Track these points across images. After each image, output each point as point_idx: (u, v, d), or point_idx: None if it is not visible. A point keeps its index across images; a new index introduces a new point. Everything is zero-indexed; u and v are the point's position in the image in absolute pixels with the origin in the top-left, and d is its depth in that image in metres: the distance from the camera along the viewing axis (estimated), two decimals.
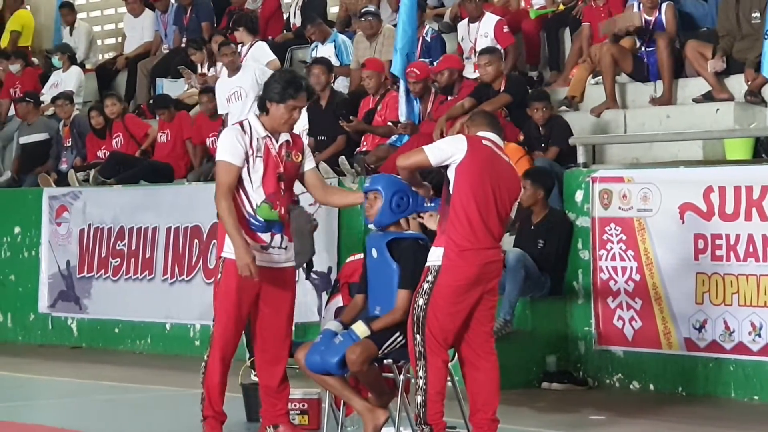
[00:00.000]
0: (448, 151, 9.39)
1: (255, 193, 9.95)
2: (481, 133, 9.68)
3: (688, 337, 12.89)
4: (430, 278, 9.52)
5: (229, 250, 9.92)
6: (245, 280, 9.80)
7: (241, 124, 10.23)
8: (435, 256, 9.52)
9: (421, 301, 9.51)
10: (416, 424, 9.67)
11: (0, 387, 14.43)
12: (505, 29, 16.99)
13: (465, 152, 9.29)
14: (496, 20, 17.09)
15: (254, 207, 9.94)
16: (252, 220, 9.91)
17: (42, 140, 20.24)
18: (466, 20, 17.44)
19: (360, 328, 9.61)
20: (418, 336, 9.60)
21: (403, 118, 15.81)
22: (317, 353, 9.64)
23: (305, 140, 15.70)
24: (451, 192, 9.40)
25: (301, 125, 16.86)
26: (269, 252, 9.94)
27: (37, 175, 19.64)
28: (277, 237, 9.95)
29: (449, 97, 15.93)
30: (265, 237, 9.92)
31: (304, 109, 16.15)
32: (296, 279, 10.22)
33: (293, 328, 10.32)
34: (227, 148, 10.03)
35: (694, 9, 15.71)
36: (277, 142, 10.01)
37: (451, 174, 9.40)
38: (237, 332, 10.19)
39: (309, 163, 10.26)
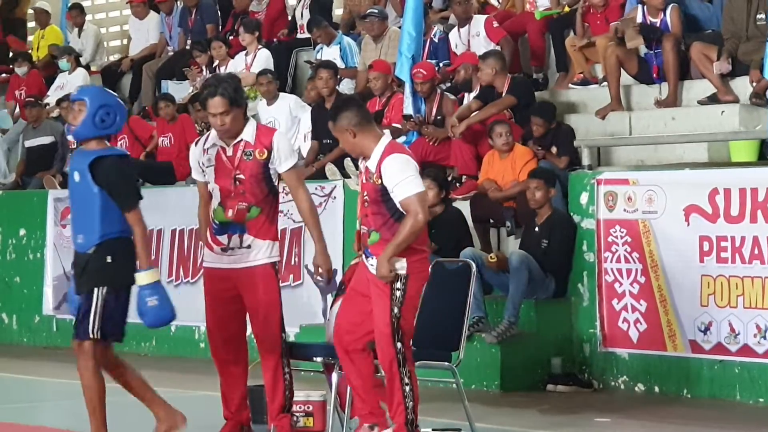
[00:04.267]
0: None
1: (215, 199, 10.20)
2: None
3: (693, 340, 12.92)
4: (399, 286, 9.49)
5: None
6: (211, 284, 10.33)
7: (199, 139, 10.62)
8: (398, 265, 9.43)
9: (396, 310, 9.49)
10: (408, 428, 9.70)
11: (5, 388, 14.52)
12: (495, 24, 17.14)
13: None
14: (485, 18, 17.29)
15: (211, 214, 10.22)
16: (213, 223, 10.17)
17: (48, 143, 20.28)
18: (456, 28, 17.55)
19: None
20: (399, 344, 9.62)
21: (408, 122, 15.83)
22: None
23: (307, 144, 15.75)
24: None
25: (304, 128, 16.93)
26: (230, 254, 10.10)
27: (42, 177, 19.66)
28: (235, 238, 10.09)
29: (468, 94, 16.08)
30: (223, 239, 10.13)
31: (307, 112, 16.39)
32: (277, 276, 10.18)
33: (277, 325, 10.17)
34: (190, 163, 10.63)
35: (699, 11, 15.74)
36: (229, 146, 10.14)
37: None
38: (216, 333, 10.49)
39: (284, 164, 10.21)
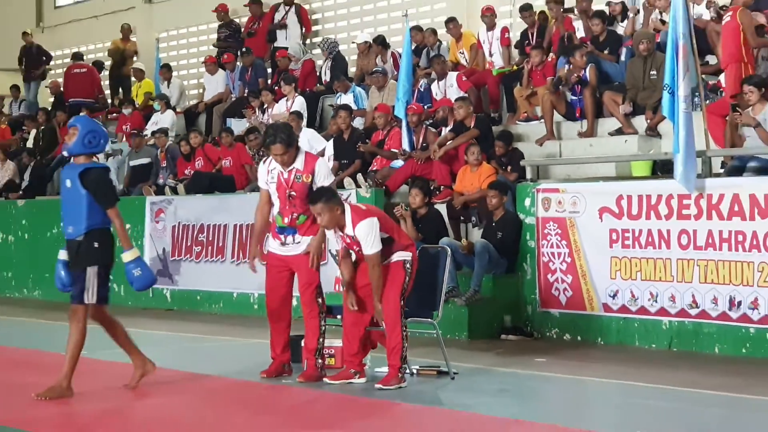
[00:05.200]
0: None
1: (275, 208, 10.41)
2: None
3: (605, 303, 12.96)
4: (408, 267, 9.85)
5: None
6: (271, 265, 10.49)
7: (266, 159, 10.75)
8: (404, 255, 9.86)
9: (404, 286, 9.80)
10: (403, 370, 9.86)
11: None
12: (463, 78, 17.17)
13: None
14: (456, 74, 17.33)
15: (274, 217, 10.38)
16: (276, 225, 10.36)
17: (146, 163, 20.28)
18: (436, 81, 17.52)
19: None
20: (406, 309, 9.83)
21: (405, 146, 15.89)
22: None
23: (330, 164, 15.80)
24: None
25: (328, 152, 16.95)
26: (286, 247, 10.32)
27: (141, 187, 19.65)
28: (290, 237, 10.29)
29: (444, 128, 16.13)
30: (281, 237, 10.33)
31: (324, 142, 16.47)
32: (311, 263, 10.22)
33: (315, 291, 10.31)
34: (258, 176, 10.80)
35: (610, 68, 15.73)
36: (286, 171, 10.28)
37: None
38: (271, 296, 10.55)
39: (322, 182, 10.29)
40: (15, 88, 27.01)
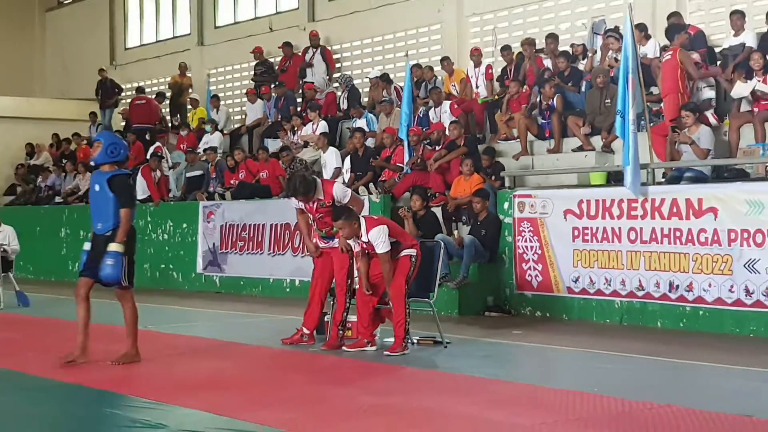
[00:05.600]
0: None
1: (312, 224, 10.67)
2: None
3: (569, 286, 12.98)
4: (413, 259, 10.03)
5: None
6: (319, 256, 10.69)
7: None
8: (410, 251, 10.06)
9: (409, 273, 9.99)
10: (407, 340, 9.95)
11: (173, 315, 14.45)
12: (455, 106, 17.11)
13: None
14: (449, 103, 17.28)
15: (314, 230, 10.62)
16: (318, 232, 10.61)
17: (199, 174, 20.33)
18: (432, 108, 17.47)
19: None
20: (409, 291, 9.99)
21: (404, 164, 15.93)
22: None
23: (347, 175, 15.94)
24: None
25: (346, 166, 17.02)
26: (327, 243, 10.51)
27: (196, 194, 19.70)
28: (329, 241, 10.53)
29: (437, 146, 16.10)
30: (324, 241, 10.60)
31: (347, 158, 16.52)
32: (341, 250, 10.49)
33: (348, 277, 10.52)
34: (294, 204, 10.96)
35: (573, 98, 15.71)
36: (309, 203, 10.48)
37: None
38: (318, 280, 10.74)
39: (341, 200, 10.47)
40: (93, 115, 27.05)
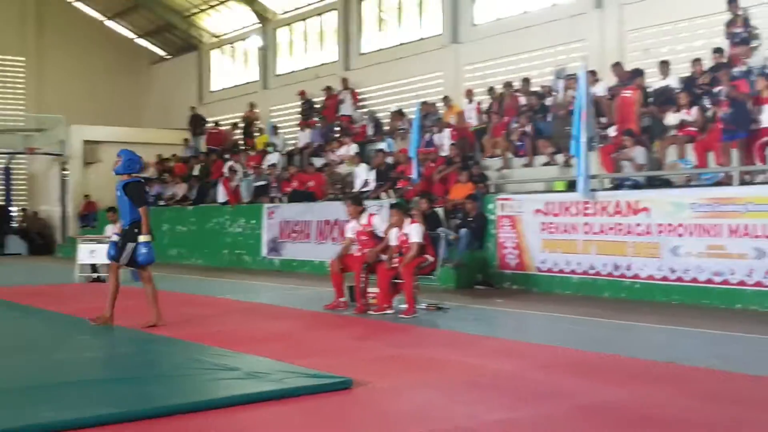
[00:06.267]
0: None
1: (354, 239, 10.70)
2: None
3: (538, 266, 13.04)
4: (426, 263, 10.24)
5: None
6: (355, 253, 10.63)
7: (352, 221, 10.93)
8: (430, 258, 10.23)
9: (419, 264, 10.08)
10: (416, 306, 9.99)
11: (245, 287, 14.40)
12: (453, 132, 17.12)
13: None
14: (449, 130, 17.26)
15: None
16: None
17: (262, 184, 20.41)
18: (436, 134, 17.40)
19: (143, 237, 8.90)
20: (415, 269, 10.01)
21: (414, 176, 15.86)
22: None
23: (373, 185, 15.92)
24: None
25: (372, 177, 17.02)
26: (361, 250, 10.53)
27: (260, 198, 19.78)
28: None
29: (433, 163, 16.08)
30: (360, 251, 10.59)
31: (373, 171, 16.35)
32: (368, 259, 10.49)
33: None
34: (347, 227, 11.02)
35: (542, 126, 15.75)
36: (359, 224, 10.56)
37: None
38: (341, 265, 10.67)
39: (378, 228, 10.52)
40: (185, 140, 27.22)
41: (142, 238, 8.87)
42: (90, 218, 25.83)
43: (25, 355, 7.42)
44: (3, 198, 28.41)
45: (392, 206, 10.44)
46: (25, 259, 25.66)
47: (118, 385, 5.87)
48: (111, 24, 31.56)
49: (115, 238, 9.21)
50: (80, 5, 31.03)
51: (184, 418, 4.96)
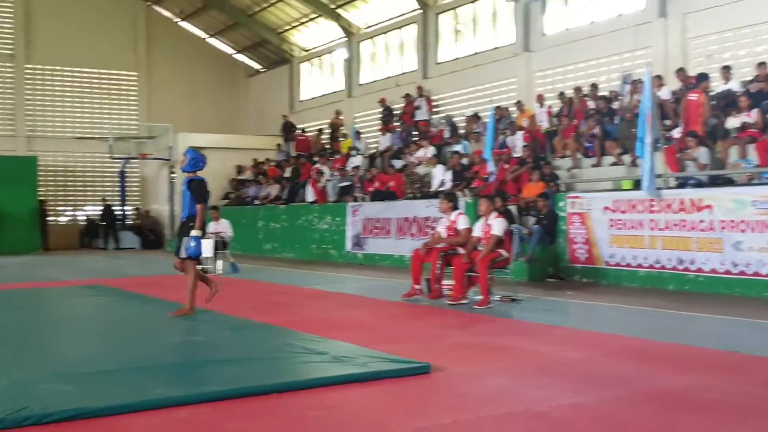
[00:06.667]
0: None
1: (443, 233, 10.60)
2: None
3: (606, 260, 12.80)
4: (501, 258, 10.11)
5: None
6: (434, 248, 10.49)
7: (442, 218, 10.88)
8: (505, 253, 10.13)
9: (494, 258, 9.97)
10: (491, 297, 9.94)
11: (331, 278, 14.44)
12: (526, 135, 16.96)
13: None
14: (521, 132, 17.11)
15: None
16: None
17: (347, 185, 20.56)
18: (510, 137, 17.28)
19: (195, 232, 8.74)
20: (490, 263, 9.95)
21: (489, 175, 15.77)
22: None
23: (449, 184, 15.84)
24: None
25: (449, 177, 16.95)
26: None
27: (345, 198, 19.90)
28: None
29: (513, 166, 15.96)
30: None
31: (450, 171, 16.21)
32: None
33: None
34: (438, 223, 10.98)
35: (610, 128, 15.54)
36: (448, 220, 10.48)
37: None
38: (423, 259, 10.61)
39: (462, 226, 10.41)
40: (278, 145, 27.63)
41: (193, 233, 8.79)
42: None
43: (140, 338, 7.68)
44: (119, 198, 29.33)
45: (481, 196, 10.37)
46: (138, 252, 26.44)
47: (221, 365, 6.03)
48: (212, 41, 32.22)
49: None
50: (185, 25, 31.75)
51: (278, 397, 5.07)
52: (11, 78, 28.82)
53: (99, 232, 28.62)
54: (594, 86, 17.17)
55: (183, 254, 8.83)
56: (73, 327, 8.64)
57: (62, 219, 29.81)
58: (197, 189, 8.84)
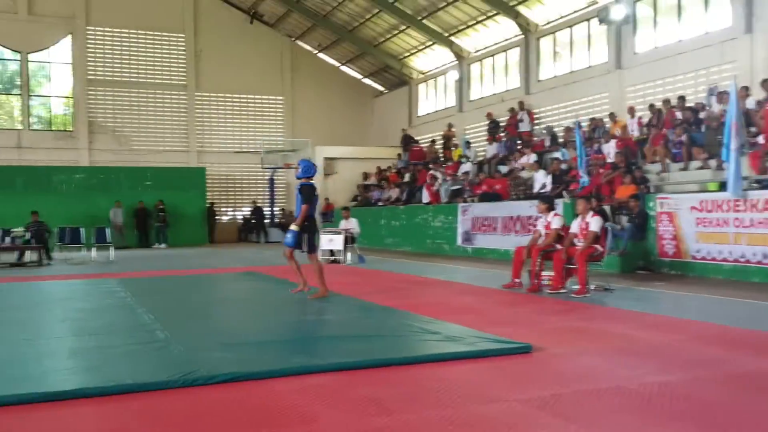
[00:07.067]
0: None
1: (542, 231, 10.33)
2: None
3: (693, 255, 12.20)
4: (596, 253, 9.76)
5: None
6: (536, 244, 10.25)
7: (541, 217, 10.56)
8: (599, 248, 9.75)
9: (591, 254, 9.66)
10: (587, 287, 9.57)
11: (443, 269, 14.35)
12: (618, 143, 16.30)
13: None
14: (615, 140, 16.48)
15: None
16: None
17: (458, 188, 20.42)
18: (604, 144, 16.67)
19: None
20: (588, 258, 9.63)
21: (582, 180, 15.26)
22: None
23: (549, 187, 15.42)
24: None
25: (549, 180, 16.56)
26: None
27: (456, 200, 19.78)
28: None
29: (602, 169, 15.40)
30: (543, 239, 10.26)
31: (550, 175, 15.74)
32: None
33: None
34: (537, 222, 10.78)
35: (696, 135, 14.76)
36: (545, 219, 10.21)
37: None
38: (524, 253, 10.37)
39: (555, 226, 10.15)
40: (398, 155, 27.82)
41: (292, 227, 8.83)
42: (329, 215, 27.07)
43: (284, 316, 7.93)
44: (268, 201, 30.39)
45: (580, 197, 10.10)
46: (283, 247, 27.25)
47: (350, 341, 6.14)
48: (344, 68, 32.84)
49: (293, 227, 9.07)
50: (322, 55, 32.54)
51: (399, 369, 5.12)
52: (185, 104, 30.39)
53: (252, 229, 29.77)
54: (682, 98, 16.36)
55: (305, 248, 8.97)
56: (233, 306, 9.03)
57: (224, 218, 31.19)
58: (306, 192, 8.89)
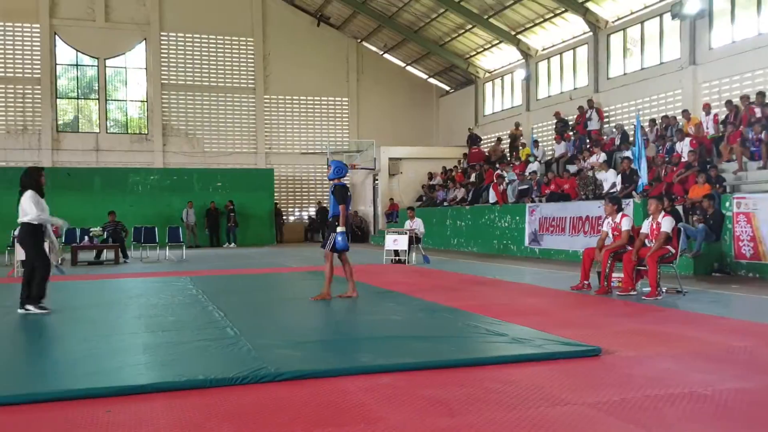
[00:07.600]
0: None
1: (608, 232, 10.10)
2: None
3: None
4: (669, 254, 9.47)
5: None
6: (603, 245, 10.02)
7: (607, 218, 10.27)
8: (671, 249, 9.46)
9: (663, 255, 9.36)
10: (659, 289, 9.28)
11: (511, 270, 14.12)
12: (692, 141, 15.73)
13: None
14: (689, 139, 15.90)
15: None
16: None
17: (526, 187, 20.15)
18: (677, 143, 16.12)
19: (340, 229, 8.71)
20: (659, 259, 9.36)
21: (642, 180, 14.77)
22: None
23: (618, 186, 15.05)
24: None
25: (618, 180, 16.15)
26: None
27: (523, 199, 19.50)
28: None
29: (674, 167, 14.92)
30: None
31: (619, 175, 15.34)
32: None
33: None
34: (603, 225, 10.34)
35: None
36: (612, 221, 9.96)
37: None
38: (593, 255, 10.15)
39: (626, 227, 9.85)
40: (464, 154, 27.69)
41: (339, 229, 8.79)
42: (393, 216, 27.18)
43: (350, 315, 8.01)
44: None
45: (650, 197, 9.84)
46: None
47: (415, 341, 6.16)
48: (410, 69, 32.88)
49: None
50: (388, 56, 32.66)
51: (464, 371, 5.11)
52: (253, 106, 31.05)
53: (318, 229, 30.15)
54: (761, 94, 15.68)
55: (328, 248, 8.95)
56: (299, 304, 9.16)
57: (291, 218, 31.69)
58: (339, 193, 8.85)
